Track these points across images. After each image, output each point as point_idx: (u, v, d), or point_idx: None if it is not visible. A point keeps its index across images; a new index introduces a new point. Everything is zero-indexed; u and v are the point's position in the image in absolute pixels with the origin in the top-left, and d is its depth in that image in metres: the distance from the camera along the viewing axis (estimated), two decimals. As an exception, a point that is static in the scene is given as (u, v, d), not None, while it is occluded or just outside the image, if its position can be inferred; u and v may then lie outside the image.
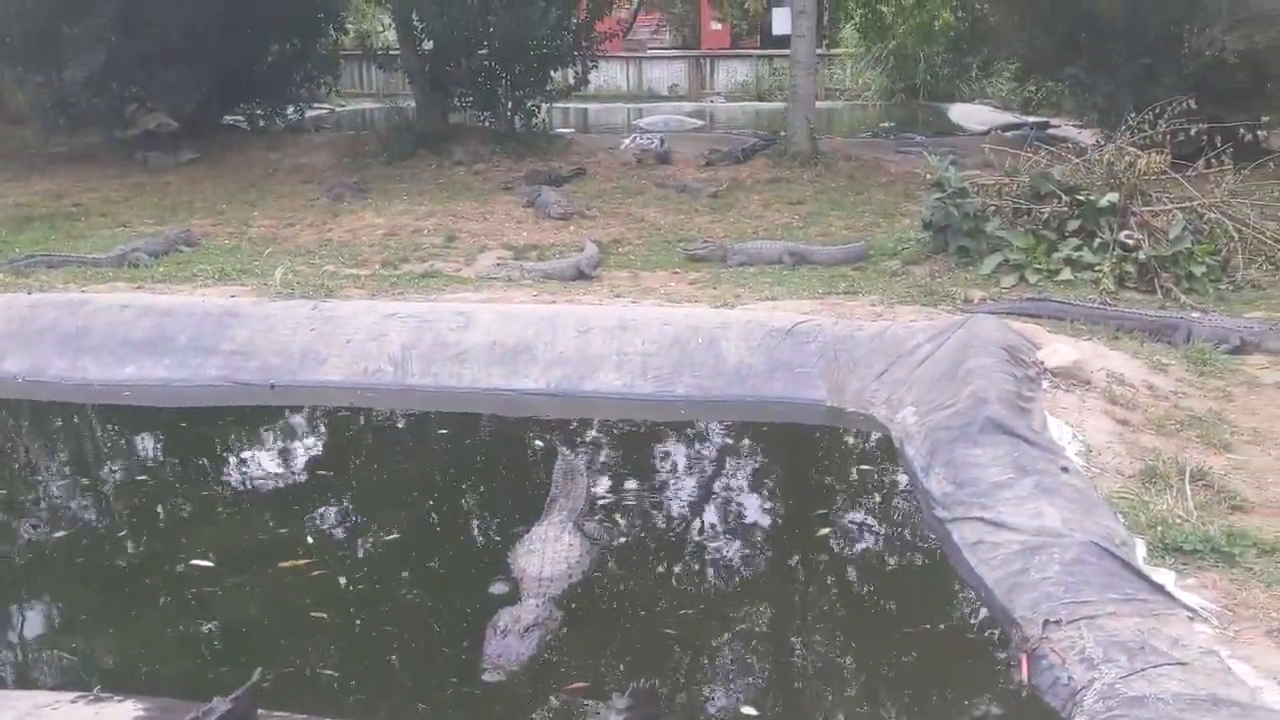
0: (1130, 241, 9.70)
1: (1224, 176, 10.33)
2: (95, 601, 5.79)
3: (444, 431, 8.32)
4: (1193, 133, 10.93)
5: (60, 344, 8.98)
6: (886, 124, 24.33)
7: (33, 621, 5.66)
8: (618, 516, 6.62)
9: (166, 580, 5.89)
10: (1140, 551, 5.23)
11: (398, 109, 19.48)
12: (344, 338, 8.82)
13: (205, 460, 7.91)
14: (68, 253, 11.32)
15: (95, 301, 9.46)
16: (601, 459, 7.73)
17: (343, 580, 5.80)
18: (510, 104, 17.97)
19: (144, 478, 7.51)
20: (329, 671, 4.98)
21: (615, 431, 8.34)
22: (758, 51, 33.90)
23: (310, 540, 6.37)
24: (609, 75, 31.88)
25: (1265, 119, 15.57)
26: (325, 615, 5.45)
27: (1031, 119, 21.70)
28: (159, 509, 6.90)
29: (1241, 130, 14.38)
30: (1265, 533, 5.34)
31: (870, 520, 6.72)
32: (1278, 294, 9.40)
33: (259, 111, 19.80)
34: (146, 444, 8.32)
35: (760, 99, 31.45)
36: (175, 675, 4.90)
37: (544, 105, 18.54)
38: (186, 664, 5.04)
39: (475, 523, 6.92)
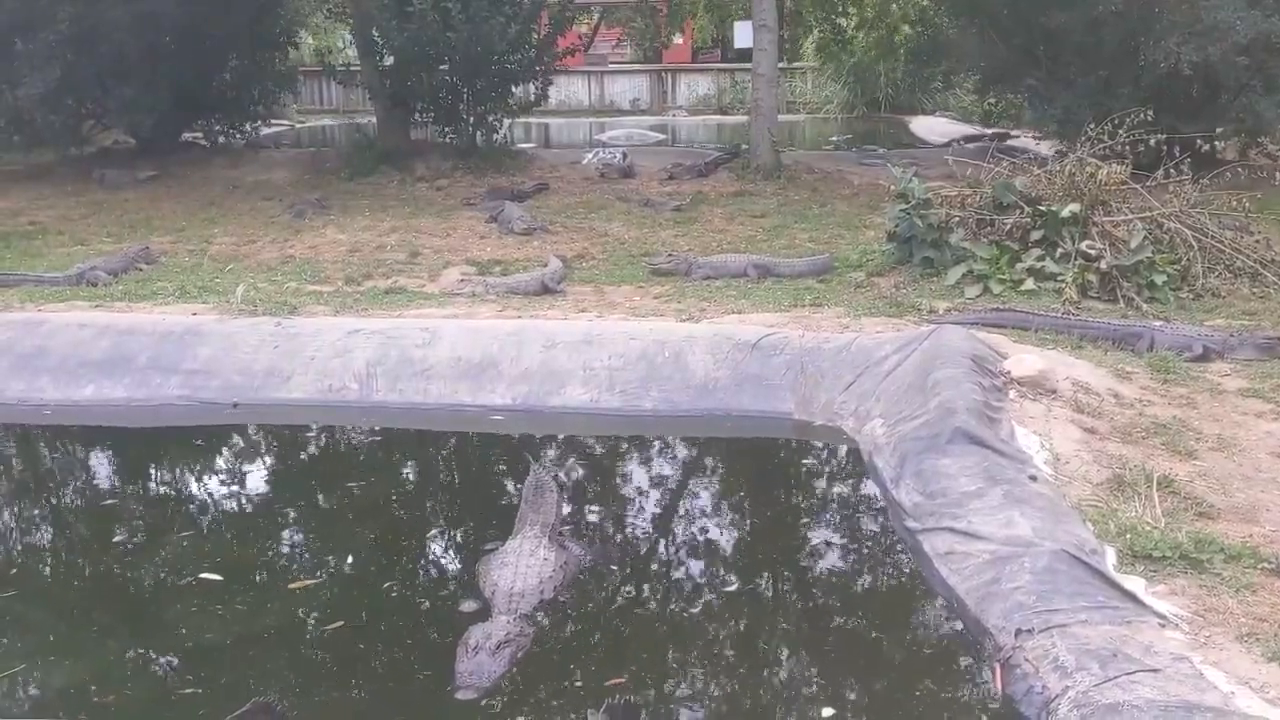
0: (1092, 251, 9.78)
1: (1182, 187, 10.46)
2: (58, 627, 5.66)
3: (410, 448, 8.26)
4: (1151, 143, 11.03)
5: (17, 365, 8.81)
6: (847, 137, 24.49)
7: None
8: (588, 531, 6.57)
9: (123, 606, 5.81)
10: (1110, 559, 5.25)
11: (358, 125, 19.42)
12: (308, 355, 8.72)
13: (168, 481, 7.80)
14: (24, 271, 11.13)
15: (53, 321, 9.31)
16: (571, 473, 7.69)
17: (307, 599, 5.72)
18: (472, 119, 17.91)
19: (105, 500, 7.40)
20: (289, 696, 4.92)
21: (584, 446, 8.29)
22: (719, 65, 34.06)
23: (280, 561, 6.30)
24: (570, 90, 31.97)
25: (1220, 130, 15.83)
26: (290, 637, 5.38)
27: (991, 131, 21.95)
28: (119, 531, 6.79)
29: (1198, 141, 14.55)
30: (1231, 538, 5.39)
31: (841, 532, 6.70)
32: (1237, 301, 9.53)
33: (218, 128, 19.63)
34: (107, 465, 8.19)
35: (722, 113, 31.65)
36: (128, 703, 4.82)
37: (505, 120, 18.52)
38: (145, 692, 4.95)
39: (444, 540, 6.82)
